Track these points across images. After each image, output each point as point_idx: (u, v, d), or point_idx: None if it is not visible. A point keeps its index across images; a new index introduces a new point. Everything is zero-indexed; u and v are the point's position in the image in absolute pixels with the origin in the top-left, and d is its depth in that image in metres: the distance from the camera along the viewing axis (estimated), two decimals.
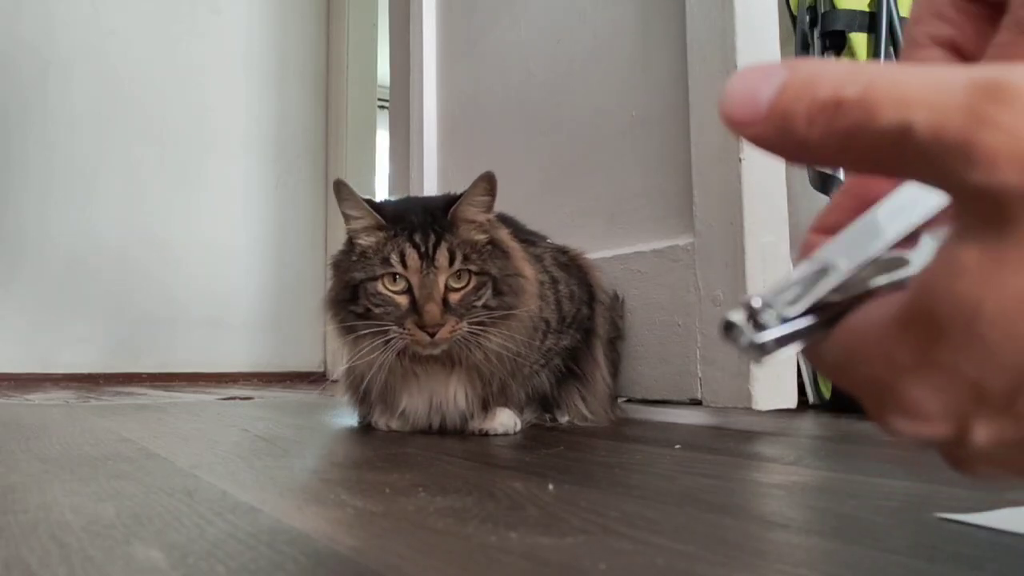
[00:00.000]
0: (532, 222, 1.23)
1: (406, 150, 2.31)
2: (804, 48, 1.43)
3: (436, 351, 0.94)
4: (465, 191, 0.97)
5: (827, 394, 1.39)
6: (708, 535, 0.46)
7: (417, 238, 0.93)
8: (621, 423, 1.14)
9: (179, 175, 3.08)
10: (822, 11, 1.39)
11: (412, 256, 0.92)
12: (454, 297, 0.93)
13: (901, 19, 1.36)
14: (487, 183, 0.96)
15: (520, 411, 1.05)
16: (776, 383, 1.30)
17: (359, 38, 3.39)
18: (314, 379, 3.15)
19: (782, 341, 0.23)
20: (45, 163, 2.88)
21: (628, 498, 0.58)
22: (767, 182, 1.34)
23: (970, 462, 0.23)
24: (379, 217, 0.96)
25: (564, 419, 1.10)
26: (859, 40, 1.37)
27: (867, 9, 1.38)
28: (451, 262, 0.93)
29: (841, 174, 1.38)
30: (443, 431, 1.01)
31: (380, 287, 0.93)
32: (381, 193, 3.37)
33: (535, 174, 1.84)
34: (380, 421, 1.04)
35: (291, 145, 3.32)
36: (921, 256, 0.23)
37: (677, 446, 0.87)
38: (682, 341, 1.41)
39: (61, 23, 2.94)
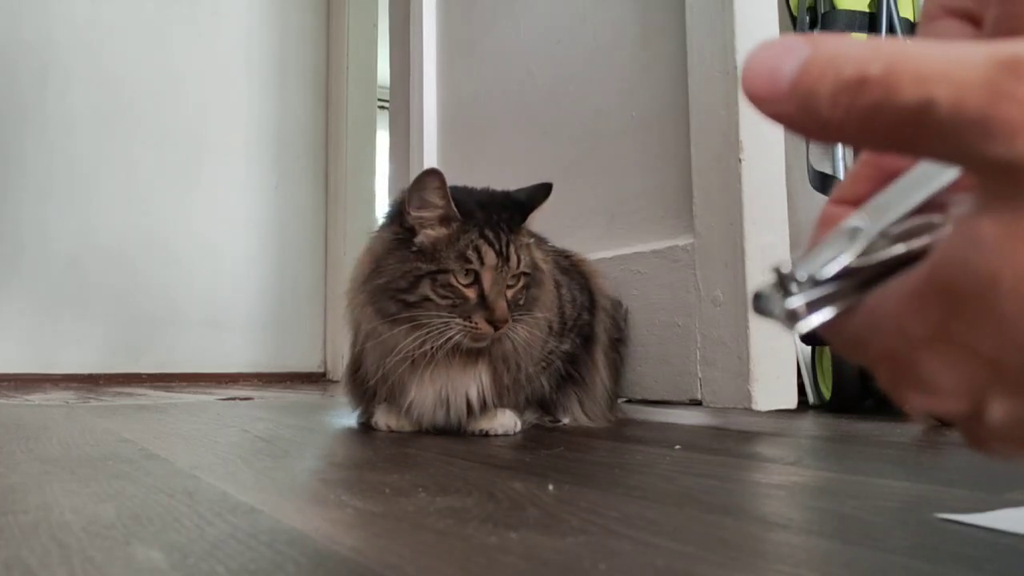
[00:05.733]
0: (532, 222, 1.23)
1: (406, 150, 2.31)
2: None
3: (484, 344, 0.96)
4: (534, 199, 1.02)
5: (827, 395, 1.39)
6: (708, 535, 0.46)
7: (490, 236, 0.95)
8: (621, 423, 1.14)
9: (178, 175, 3.08)
10: (822, 12, 1.39)
11: (490, 254, 0.95)
12: (509, 294, 0.97)
13: (901, 19, 1.37)
14: (549, 193, 1.03)
15: (521, 412, 1.05)
16: (776, 384, 1.30)
17: (359, 38, 3.39)
18: (313, 379, 3.15)
19: (814, 306, 0.22)
20: (44, 164, 2.88)
21: (628, 499, 0.58)
22: (767, 182, 1.34)
23: (986, 439, 0.22)
24: (456, 211, 0.96)
25: (565, 419, 1.10)
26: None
27: (867, 9, 1.38)
28: (518, 263, 0.97)
29: (841, 174, 1.38)
30: (446, 429, 1.01)
31: (452, 280, 0.94)
32: (380, 192, 3.37)
33: (535, 174, 1.83)
34: (381, 420, 1.04)
35: (291, 145, 3.32)
36: (950, 219, 0.22)
37: (677, 447, 0.87)
38: (682, 342, 1.41)
39: (60, 24, 2.94)
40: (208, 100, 3.16)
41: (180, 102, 3.10)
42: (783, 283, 0.22)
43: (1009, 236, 0.19)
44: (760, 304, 0.23)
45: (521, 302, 0.98)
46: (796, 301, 0.22)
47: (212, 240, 3.12)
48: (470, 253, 0.94)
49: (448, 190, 0.96)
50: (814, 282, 0.22)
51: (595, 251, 1.55)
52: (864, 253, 0.23)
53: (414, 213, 0.97)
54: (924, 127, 0.20)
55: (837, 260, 0.23)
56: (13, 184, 2.84)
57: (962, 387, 0.21)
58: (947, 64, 0.19)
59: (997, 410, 0.21)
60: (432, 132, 2.25)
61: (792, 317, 0.23)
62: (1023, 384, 0.20)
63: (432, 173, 0.96)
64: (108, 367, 2.89)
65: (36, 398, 1.84)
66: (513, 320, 0.97)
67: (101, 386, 2.53)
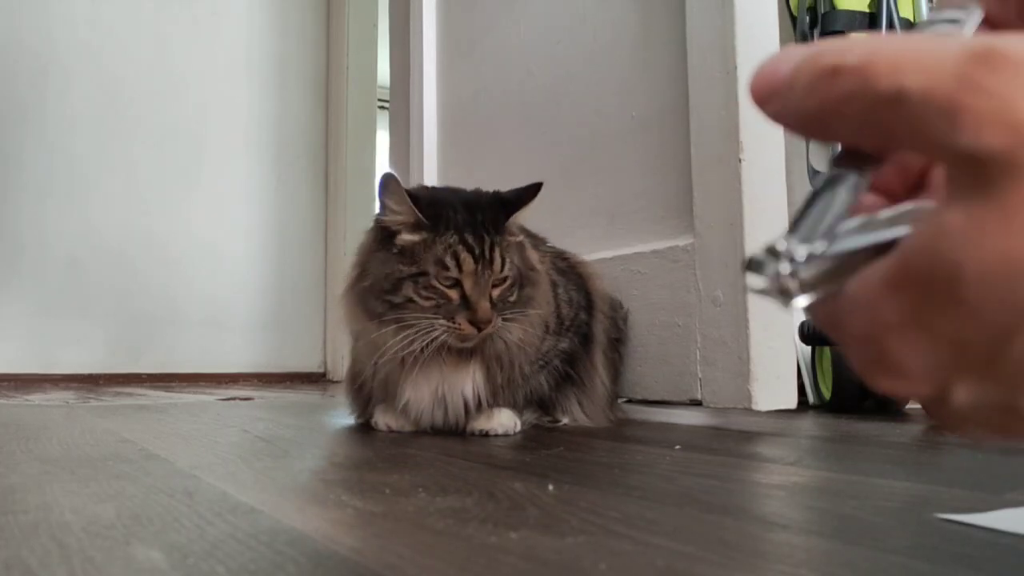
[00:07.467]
0: (531, 223, 1.23)
1: (406, 150, 2.32)
2: None
3: (471, 344, 0.96)
4: (520, 199, 1.01)
5: (827, 395, 1.39)
6: (708, 535, 0.46)
7: (470, 239, 0.95)
8: (621, 424, 1.14)
9: (178, 175, 3.08)
10: (822, 12, 1.39)
11: (468, 260, 0.94)
12: (495, 293, 0.96)
13: (901, 19, 1.37)
14: (537, 192, 1.01)
15: (520, 412, 1.05)
16: (776, 384, 1.30)
17: (359, 38, 3.39)
18: (313, 379, 3.15)
19: (806, 286, 0.23)
20: (44, 164, 2.88)
21: (628, 499, 0.58)
22: (767, 183, 1.34)
23: (953, 421, 0.23)
24: (422, 217, 0.96)
25: (564, 419, 1.11)
26: None
27: (867, 10, 1.38)
28: (502, 266, 0.96)
29: None
30: (444, 428, 1.01)
31: (433, 282, 0.94)
32: None
33: (535, 175, 1.83)
34: (380, 420, 1.04)
35: (291, 145, 3.32)
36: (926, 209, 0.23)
37: (677, 447, 0.87)
38: (682, 342, 1.41)
39: (60, 24, 2.94)
40: (208, 100, 3.16)
41: (180, 102, 3.10)
42: (777, 259, 0.23)
43: (974, 227, 0.20)
44: (752, 276, 0.23)
45: (512, 299, 0.98)
46: (789, 280, 0.23)
47: (212, 240, 3.12)
48: (448, 259, 0.94)
49: (406, 195, 0.95)
50: (809, 258, 0.23)
51: (595, 251, 1.55)
52: (859, 234, 0.23)
53: (387, 217, 0.98)
54: (896, 116, 0.20)
55: (833, 240, 0.23)
56: (13, 184, 2.84)
57: (929, 371, 0.22)
58: (922, 54, 0.20)
59: (962, 394, 0.22)
60: (432, 132, 2.25)
61: (785, 293, 0.23)
62: (986, 369, 0.21)
63: (388, 179, 0.96)
64: (108, 367, 2.89)
65: (36, 398, 1.84)
66: (505, 319, 0.97)
67: (101, 386, 2.53)
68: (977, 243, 0.20)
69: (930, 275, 0.21)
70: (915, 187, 0.28)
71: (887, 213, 0.24)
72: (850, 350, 0.24)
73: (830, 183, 0.24)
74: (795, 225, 0.23)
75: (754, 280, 0.23)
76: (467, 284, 0.94)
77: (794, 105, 0.22)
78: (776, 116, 0.23)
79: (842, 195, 0.24)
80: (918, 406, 1.33)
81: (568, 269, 1.20)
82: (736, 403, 1.30)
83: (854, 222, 0.23)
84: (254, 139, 3.25)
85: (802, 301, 0.23)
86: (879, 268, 0.22)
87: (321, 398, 1.93)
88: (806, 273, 0.23)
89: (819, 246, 0.23)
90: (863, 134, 0.22)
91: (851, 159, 0.24)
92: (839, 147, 0.25)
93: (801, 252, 0.23)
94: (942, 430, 0.25)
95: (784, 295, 0.23)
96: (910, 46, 0.20)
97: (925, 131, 0.20)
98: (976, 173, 0.19)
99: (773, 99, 0.23)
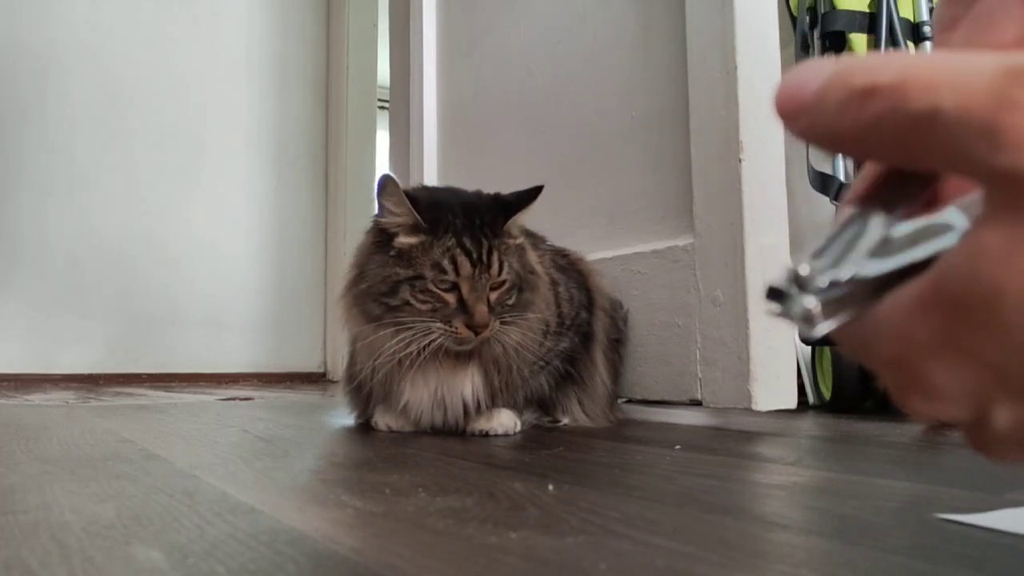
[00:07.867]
0: (531, 223, 1.24)
1: (406, 150, 2.31)
2: (804, 49, 1.43)
3: (469, 347, 0.96)
4: (519, 202, 1.00)
5: (827, 395, 1.39)
6: (708, 535, 0.46)
7: (468, 243, 0.94)
8: (621, 424, 1.14)
9: (178, 175, 3.08)
10: (822, 12, 1.39)
11: (465, 264, 0.94)
12: (493, 296, 0.96)
13: (901, 19, 1.37)
14: (537, 195, 1.01)
15: (520, 412, 1.05)
16: (776, 384, 1.30)
17: (359, 38, 3.39)
18: (313, 379, 3.15)
19: (829, 310, 0.22)
20: (44, 164, 2.88)
21: (628, 499, 0.58)
22: (767, 183, 1.34)
23: (992, 445, 0.23)
24: (420, 220, 0.95)
25: (564, 419, 1.10)
26: (859, 40, 1.37)
27: (867, 10, 1.38)
28: (500, 270, 0.96)
29: (841, 175, 1.38)
30: (444, 429, 1.01)
31: (430, 286, 0.94)
32: None
33: (535, 175, 1.83)
34: (380, 421, 1.04)
35: (291, 145, 3.32)
36: (963, 222, 0.23)
37: (677, 447, 0.87)
38: (682, 342, 1.41)
39: (60, 24, 2.94)
40: (208, 100, 3.16)
41: (180, 102, 3.10)
42: (799, 285, 0.22)
43: (1013, 247, 0.19)
44: (774, 303, 0.23)
45: (510, 302, 0.97)
46: (813, 304, 0.22)
47: (212, 240, 3.12)
48: (445, 264, 0.93)
49: (405, 197, 0.95)
50: (832, 284, 0.22)
51: (595, 251, 1.55)
52: (881, 256, 0.23)
53: (385, 219, 0.97)
54: (931, 135, 0.20)
55: (856, 264, 0.23)
56: (13, 184, 2.84)
57: (966, 394, 0.21)
58: (955, 72, 0.19)
59: (1001, 416, 0.21)
60: (432, 132, 2.25)
61: (808, 320, 0.22)
62: None
63: (387, 180, 0.96)
64: (108, 367, 2.89)
65: (36, 398, 1.84)
66: (504, 323, 0.96)
67: (101, 386, 2.53)
68: (1018, 264, 0.19)
69: (967, 296, 0.20)
70: (927, 202, 0.27)
71: (903, 231, 0.23)
72: (883, 373, 0.23)
73: (863, 211, 0.23)
74: (820, 250, 0.23)
75: (776, 307, 0.23)
76: (464, 288, 0.94)
77: (826, 124, 0.22)
78: (804, 134, 0.23)
79: (873, 223, 0.23)
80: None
81: (568, 266, 1.20)
82: (736, 403, 1.30)
83: (871, 244, 0.23)
84: (254, 139, 3.25)
85: (825, 328, 0.23)
86: (911, 289, 0.22)
87: (321, 398, 1.93)
88: (828, 300, 0.22)
89: (841, 272, 0.22)
90: (896, 154, 0.21)
91: (889, 183, 0.24)
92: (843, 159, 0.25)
93: (823, 279, 0.22)
94: (980, 454, 0.24)
95: (807, 322, 0.22)
96: (944, 64, 0.20)
97: (961, 150, 0.19)
98: (1015, 192, 0.19)
99: (801, 117, 0.22)
